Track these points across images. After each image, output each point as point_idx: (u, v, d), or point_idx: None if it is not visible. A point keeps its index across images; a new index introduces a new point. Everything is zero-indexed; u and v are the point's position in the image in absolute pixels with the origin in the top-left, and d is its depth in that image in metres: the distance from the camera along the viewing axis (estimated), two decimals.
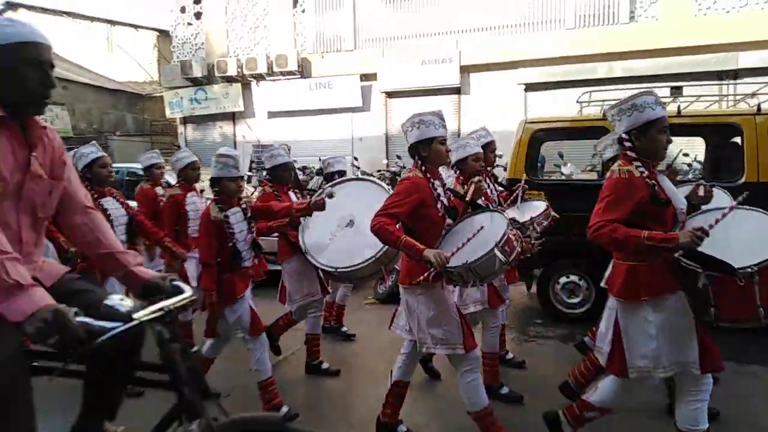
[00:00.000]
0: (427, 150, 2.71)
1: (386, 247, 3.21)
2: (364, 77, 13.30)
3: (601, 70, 11.09)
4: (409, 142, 2.79)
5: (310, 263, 3.71)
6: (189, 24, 15.34)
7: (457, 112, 12.81)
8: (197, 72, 14.53)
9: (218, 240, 3.18)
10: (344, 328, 4.94)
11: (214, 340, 3.41)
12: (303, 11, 14.09)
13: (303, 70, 13.89)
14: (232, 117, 15.05)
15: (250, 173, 12.18)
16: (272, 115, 14.55)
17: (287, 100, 14.13)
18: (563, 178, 6.71)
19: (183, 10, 15.33)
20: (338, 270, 3.54)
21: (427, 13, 13.05)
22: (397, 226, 2.65)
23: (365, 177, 4.58)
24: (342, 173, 4.64)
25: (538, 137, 5.17)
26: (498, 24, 12.41)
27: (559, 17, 11.92)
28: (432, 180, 2.73)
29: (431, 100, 12.88)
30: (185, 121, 15.67)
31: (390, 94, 13.33)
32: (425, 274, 2.43)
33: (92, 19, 19.82)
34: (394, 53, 13.01)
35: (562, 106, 9.79)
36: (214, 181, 3.24)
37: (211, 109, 14.94)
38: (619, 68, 11.00)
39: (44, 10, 20.35)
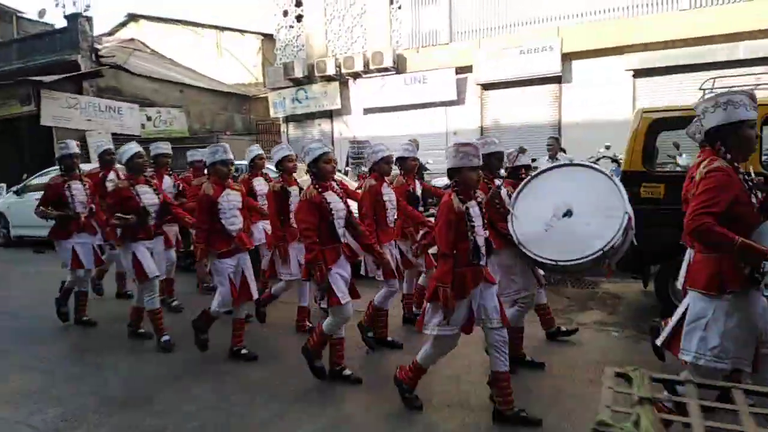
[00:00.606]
0: (735, 135, 2.37)
1: (615, 240, 3.11)
2: (459, 70, 13.20)
3: (721, 53, 10.15)
4: (707, 125, 2.44)
5: (521, 256, 3.53)
6: (291, 27, 16.08)
7: (558, 101, 12.33)
8: (298, 73, 15.20)
9: (456, 233, 3.00)
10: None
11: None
12: (399, 8, 14.25)
13: (398, 66, 14.06)
14: (330, 114, 15.59)
15: (347, 168, 12.57)
16: (368, 111, 14.89)
17: (383, 96, 14.39)
18: (679, 169, 6.27)
19: (285, 14, 16.10)
20: (559, 263, 3.35)
21: (525, 1, 12.67)
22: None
23: (579, 162, 4.01)
24: (528, 168, 4.16)
25: (655, 127, 4.87)
26: (602, 8, 11.76)
27: None
28: (739, 171, 2.39)
29: (530, 90, 12.53)
30: (287, 119, 16.47)
31: (485, 86, 13.12)
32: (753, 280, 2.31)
33: (203, 26, 21.36)
34: (490, 44, 12.79)
35: (676, 93, 9.11)
36: (454, 172, 3.04)
37: (311, 108, 15.58)
38: (742, 50, 10.02)
39: (161, 20, 22.29)
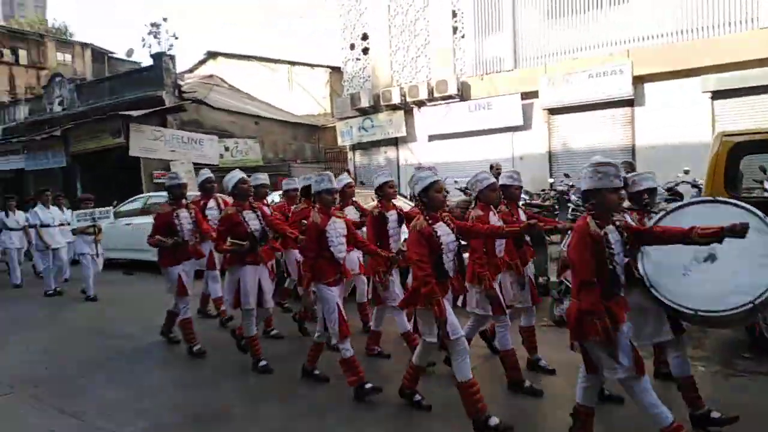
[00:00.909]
0: None
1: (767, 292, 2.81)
2: (525, 95, 13.12)
3: None
4: None
5: (652, 298, 3.17)
6: (357, 59, 16.65)
7: (630, 125, 11.95)
8: (365, 102, 15.66)
9: (593, 257, 2.77)
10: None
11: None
12: (462, 37, 14.44)
13: (462, 93, 14.18)
14: (396, 142, 15.88)
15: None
16: (432, 138, 15.04)
17: (447, 123, 14.51)
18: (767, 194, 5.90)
19: (352, 47, 16.72)
20: (699, 313, 2.99)
21: (592, 25, 12.49)
22: None
23: (721, 199, 3.53)
24: (652, 191, 3.88)
25: (737, 151, 4.64)
26: (675, 29, 11.37)
27: (748, 16, 10.56)
28: None
29: (599, 114, 12.24)
30: (354, 147, 16.94)
31: (552, 111, 12.94)
32: None
33: (276, 61, 22.54)
34: (557, 68, 12.65)
35: (762, 115, 8.62)
36: (591, 194, 2.83)
37: (377, 136, 15.95)
38: None
39: (238, 57, 23.72)
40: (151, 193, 11.72)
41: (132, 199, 11.55)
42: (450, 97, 14.24)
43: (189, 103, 16.15)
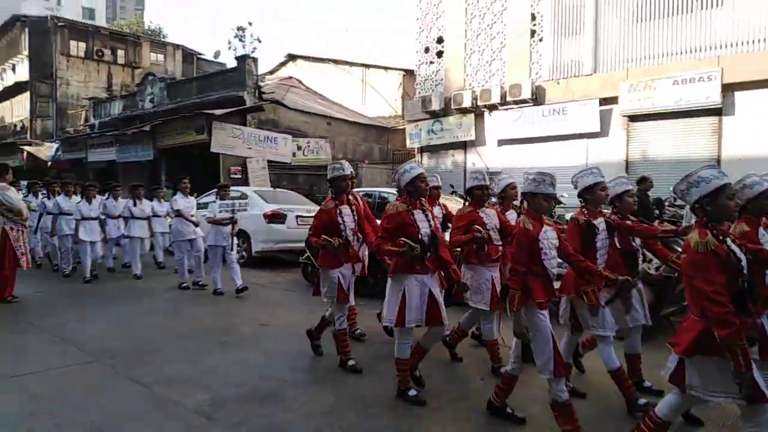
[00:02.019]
0: None
1: None
2: (604, 101, 12.64)
3: None
4: None
5: None
6: (431, 62, 16.71)
7: (717, 135, 11.22)
8: (435, 105, 15.70)
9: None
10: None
11: None
12: (540, 40, 14.12)
13: (537, 98, 13.87)
14: (464, 146, 15.79)
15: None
16: (502, 142, 14.81)
17: (518, 128, 14.25)
18: None
19: (427, 50, 16.80)
20: None
21: (680, 30, 11.84)
22: None
23: None
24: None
25: None
26: None
27: None
28: None
29: (683, 122, 11.60)
30: (422, 150, 17.00)
31: (633, 118, 12.38)
32: None
33: (352, 64, 23.05)
34: (640, 74, 12.09)
35: None
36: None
37: (446, 139, 15.92)
38: None
39: (316, 59, 24.47)
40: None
41: (210, 192, 12.23)
42: (523, 101, 13.98)
43: (267, 103, 16.88)
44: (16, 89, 30.32)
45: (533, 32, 14.29)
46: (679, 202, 8.69)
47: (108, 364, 4.65)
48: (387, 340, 5.15)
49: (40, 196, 10.50)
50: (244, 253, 10.21)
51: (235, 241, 7.86)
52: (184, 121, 16.27)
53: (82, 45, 30.04)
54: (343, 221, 4.57)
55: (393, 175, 4.17)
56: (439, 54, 16.53)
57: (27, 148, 25.57)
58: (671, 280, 5.61)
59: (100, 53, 30.42)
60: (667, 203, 9.55)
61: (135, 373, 4.41)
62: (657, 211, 7.58)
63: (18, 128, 30.04)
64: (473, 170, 4.65)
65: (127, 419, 3.57)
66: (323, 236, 4.49)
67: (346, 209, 4.63)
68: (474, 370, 4.65)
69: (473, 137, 15.25)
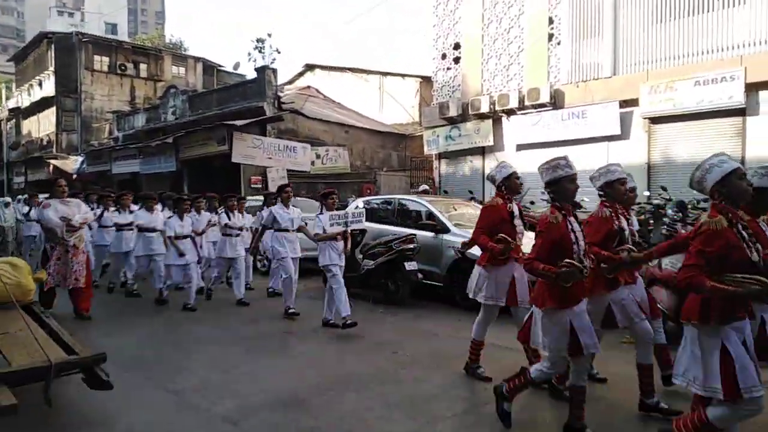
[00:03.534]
0: None
1: None
2: (624, 103, 12.52)
3: None
4: None
5: None
6: (448, 68, 16.75)
7: (741, 136, 11.02)
8: (453, 111, 15.71)
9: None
10: (594, 371, 4.41)
11: None
12: (558, 43, 14.07)
13: (555, 102, 13.79)
14: (482, 151, 15.75)
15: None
16: (521, 147, 14.73)
17: (537, 132, 14.17)
18: None
19: (444, 56, 16.85)
20: None
21: (700, 29, 11.68)
22: None
23: None
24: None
25: None
26: None
27: None
28: None
29: (706, 123, 11.40)
30: (440, 156, 17.01)
31: (654, 120, 12.23)
32: None
33: (368, 72, 23.22)
34: (660, 75, 11.96)
35: None
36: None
37: (463, 145, 15.91)
38: None
39: (333, 68, 24.71)
40: (248, 197, 12.52)
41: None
42: (542, 105, 13.91)
43: (287, 113, 17.10)
44: (43, 104, 31.17)
45: (551, 36, 14.24)
46: (702, 204, 8.56)
47: (138, 374, 4.76)
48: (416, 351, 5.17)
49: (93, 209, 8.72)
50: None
51: (342, 260, 6.32)
52: (205, 133, 16.57)
53: (106, 59, 30.77)
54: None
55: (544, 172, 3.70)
56: (456, 60, 16.57)
57: (53, 161, 26.23)
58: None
59: (123, 67, 31.13)
60: (690, 206, 9.42)
61: (165, 382, 4.52)
62: (680, 214, 7.47)
63: (45, 142, 30.84)
64: (609, 165, 4.18)
65: (158, 426, 3.66)
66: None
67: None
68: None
69: (491, 142, 15.21)
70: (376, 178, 17.00)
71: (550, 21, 14.21)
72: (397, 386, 4.39)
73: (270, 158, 15.85)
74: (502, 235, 4.20)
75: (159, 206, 8.48)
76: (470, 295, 4.59)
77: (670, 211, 7.86)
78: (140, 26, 74.55)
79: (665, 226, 7.31)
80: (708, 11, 11.54)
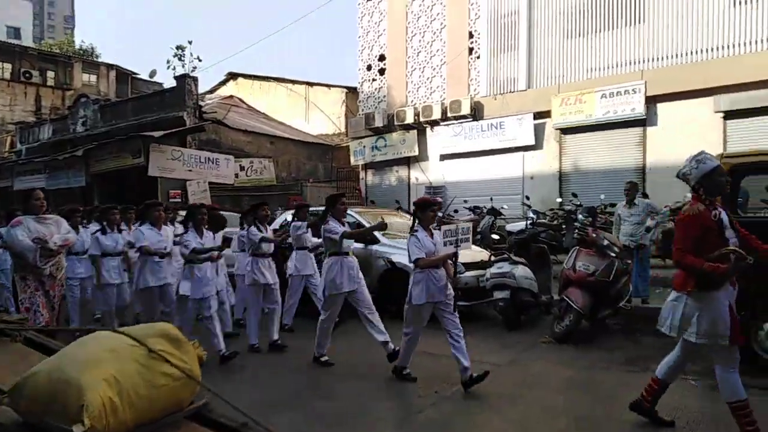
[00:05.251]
0: None
1: None
2: (538, 115, 13.19)
3: None
4: None
5: None
6: (373, 80, 16.94)
7: (642, 145, 11.92)
8: (379, 122, 15.88)
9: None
10: None
11: None
12: (478, 57, 14.61)
13: (476, 113, 14.30)
14: (407, 161, 16.03)
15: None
16: (444, 157, 15.14)
17: (459, 143, 14.62)
18: None
19: (369, 68, 17.02)
20: None
21: (606, 45, 12.57)
22: None
23: None
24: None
25: (739, 172, 4.65)
26: (689, 49, 11.41)
27: (762, 36, 10.54)
28: None
29: (611, 133, 12.25)
30: (366, 167, 17.13)
31: (564, 131, 12.97)
32: None
33: (294, 82, 22.97)
34: (570, 88, 12.72)
35: None
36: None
37: (389, 155, 16.12)
38: None
39: (257, 78, 24.25)
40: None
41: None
42: (463, 116, 14.37)
43: (208, 123, 16.51)
44: None
45: (471, 49, 14.77)
46: (609, 209, 9.13)
47: None
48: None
49: (83, 230, 6.65)
50: None
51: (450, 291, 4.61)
52: (119, 145, 15.65)
53: (8, 66, 28.55)
54: (725, 228, 3.26)
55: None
56: (382, 71, 16.79)
57: None
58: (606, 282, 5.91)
59: (27, 75, 28.95)
60: (599, 210, 10.02)
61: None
62: (590, 219, 7.95)
63: None
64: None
65: None
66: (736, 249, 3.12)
67: (724, 215, 3.31)
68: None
69: (416, 153, 15.51)
70: (303, 189, 16.79)
71: (470, 35, 14.76)
72: (332, 401, 4.34)
73: (190, 171, 15.23)
74: (730, 247, 3.15)
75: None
76: (666, 331, 3.41)
77: (580, 216, 8.32)
78: (47, 30, 69.74)
79: (576, 230, 7.72)
80: (614, 28, 12.44)
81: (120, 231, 6.55)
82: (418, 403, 4.23)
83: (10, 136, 24.39)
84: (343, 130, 20.30)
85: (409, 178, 16.05)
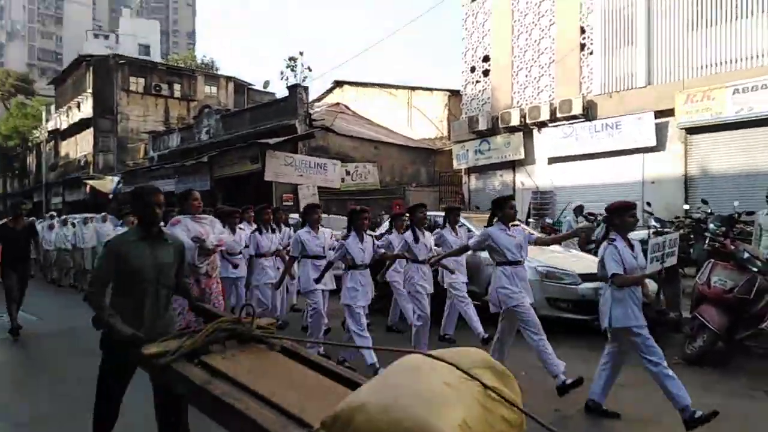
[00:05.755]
0: None
1: None
2: (659, 114, 12.26)
3: None
4: None
5: None
6: (477, 82, 16.72)
7: None
8: (482, 125, 15.64)
9: None
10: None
11: None
12: (590, 53, 13.90)
13: (588, 113, 13.60)
14: (512, 165, 15.60)
15: (530, 220, 12.37)
16: (553, 160, 14.56)
17: (569, 145, 13.98)
18: None
19: (473, 69, 16.84)
20: None
21: (738, 35, 11.39)
22: None
23: None
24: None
25: None
26: None
27: None
28: None
29: (746, 133, 11.08)
30: (469, 171, 16.93)
31: (691, 130, 11.93)
32: None
33: (397, 87, 23.34)
34: (696, 84, 11.68)
35: None
36: None
37: (493, 159, 15.80)
38: None
39: (361, 84, 24.93)
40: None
41: None
42: (574, 117, 13.73)
43: (318, 130, 17.29)
44: (80, 125, 32.25)
45: (583, 46, 14.08)
46: (743, 218, 8.27)
47: None
48: None
49: (240, 231, 6.64)
50: None
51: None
52: (239, 151, 16.86)
53: (141, 81, 31.74)
54: None
55: None
56: (486, 73, 16.53)
57: (90, 182, 26.99)
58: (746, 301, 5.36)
59: (157, 88, 32.05)
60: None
61: None
62: (723, 228, 7.22)
63: (82, 163, 31.88)
64: None
65: None
66: None
67: None
68: None
69: (522, 156, 15.06)
70: (405, 194, 16.98)
71: (582, 31, 14.08)
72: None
73: (301, 176, 16.00)
74: None
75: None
76: None
77: (712, 225, 7.61)
78: (172, 47, 76.79)
79: (707, 241, 7.07)
80: (746, 17, 11.28)
81: (273, 231, 6.78)
82: None
83: (144, 144, 27.16)
84: (445, 133, 20.28)
85: (514, 183, 15.63)
